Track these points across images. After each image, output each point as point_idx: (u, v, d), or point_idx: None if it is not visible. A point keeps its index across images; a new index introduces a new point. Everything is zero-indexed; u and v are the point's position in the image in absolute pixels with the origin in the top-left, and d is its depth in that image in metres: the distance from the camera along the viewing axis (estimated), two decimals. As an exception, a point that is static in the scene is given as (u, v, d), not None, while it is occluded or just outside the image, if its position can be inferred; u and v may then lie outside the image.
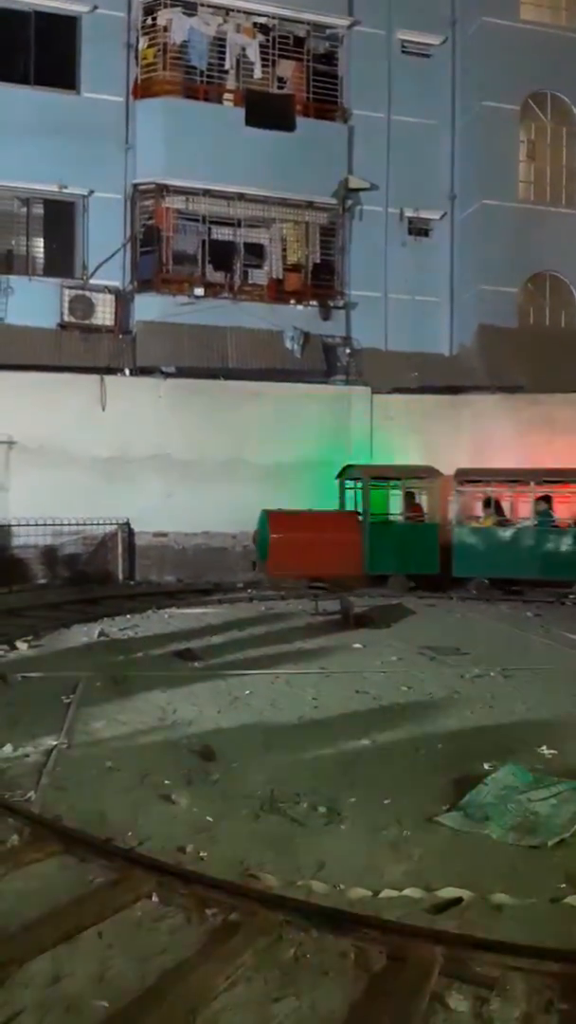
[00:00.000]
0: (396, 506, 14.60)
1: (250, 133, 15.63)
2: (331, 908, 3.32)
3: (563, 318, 17.50)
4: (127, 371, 15.19)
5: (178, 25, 15.65)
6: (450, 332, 17.31)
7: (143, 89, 15.74)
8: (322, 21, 16.54)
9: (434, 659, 8.43)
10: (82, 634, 9.59)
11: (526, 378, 16.09)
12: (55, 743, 5.55)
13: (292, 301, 16.19)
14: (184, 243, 16.01)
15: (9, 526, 13.83)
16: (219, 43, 15.98)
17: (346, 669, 7.93)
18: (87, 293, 15.04)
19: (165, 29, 15.67)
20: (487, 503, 14.04)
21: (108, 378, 14.87)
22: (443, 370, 16.76)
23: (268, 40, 16.25)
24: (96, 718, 6.17)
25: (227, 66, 16.07)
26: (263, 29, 16.28)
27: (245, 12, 16.10)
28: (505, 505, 14.41)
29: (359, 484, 14.36)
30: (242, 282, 16.11)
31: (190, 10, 15.75)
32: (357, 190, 16.57)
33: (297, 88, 16.49)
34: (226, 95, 16.23)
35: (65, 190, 15.26)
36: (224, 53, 16.00)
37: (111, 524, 14.40)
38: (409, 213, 17.01)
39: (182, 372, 15.24)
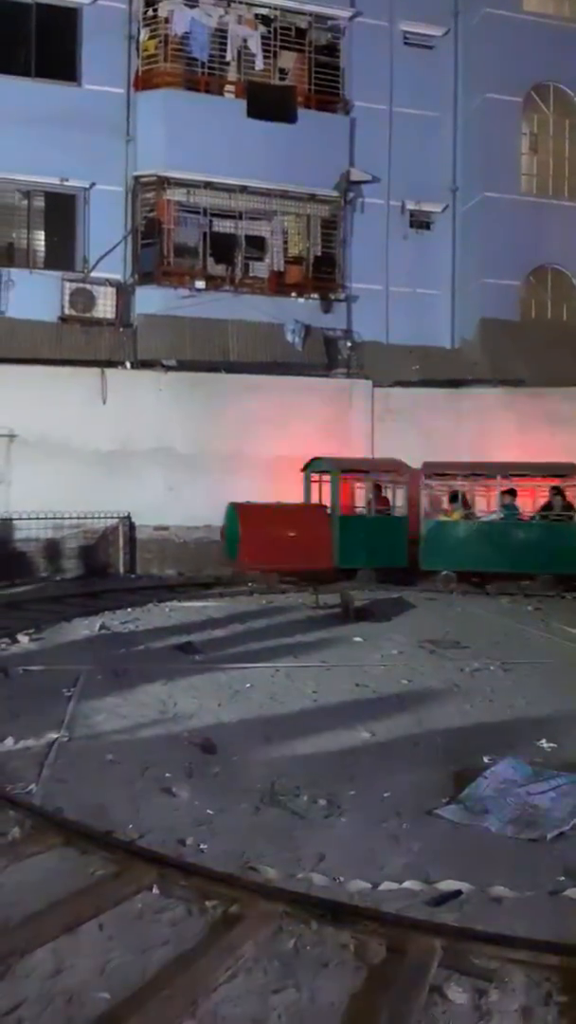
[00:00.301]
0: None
1: (251, 125, 15.56)
2: (331, 900, 3.34)
3: (565, 311, 17.44)
4: (128, 364, 15.17)
5: (179, 16, 15.57)
6: (451, 325, 17.27)
7: (144, 81, 15.68)
8: (324, 12, 16.46)
9: (434, 652, 8.45)
10: (83, 627, 9.60)
11: (528, 372, 16.06)
12: (56, 736, 5.56)
13: (293, 294, 16.16)
14: (185, 236, 15.97)
15: (10, 519, 13.83)
16: (220, 34, 15.90)
17: (346, 662, 7.95)
18: (88, 286, 15.01)
19: (166, 20, 15.59)
20: (454, 497, 14.10)
21: (109, 371, 14.85)
22: (444, 364, 16.73)
23: (270, 31, 16.17)
24: (97, 711, 6.19)
25: (228, 57, 16.00)
26: (265, 20, 16.20)
27: (247, 3, 16.02)
28: (482, 500, 14.44)
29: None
30: (243, 275, 16.08)
31: (191, 1, 15.67)
32: (359, 182, 16.52)
33: (299, 80, 16.43)
34: (227, 87, 16.16)
35: (66, 183, 15.21)
36: (225, 44, 15.91)
37: (112, 518, 14.40)
38: (411, 206, 16.95)
39: (183, 365, 15.22)
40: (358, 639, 9.06)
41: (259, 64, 16.09)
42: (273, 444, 14.76)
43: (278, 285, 16.17)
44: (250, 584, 12.80)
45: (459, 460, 14.40)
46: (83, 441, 14.39)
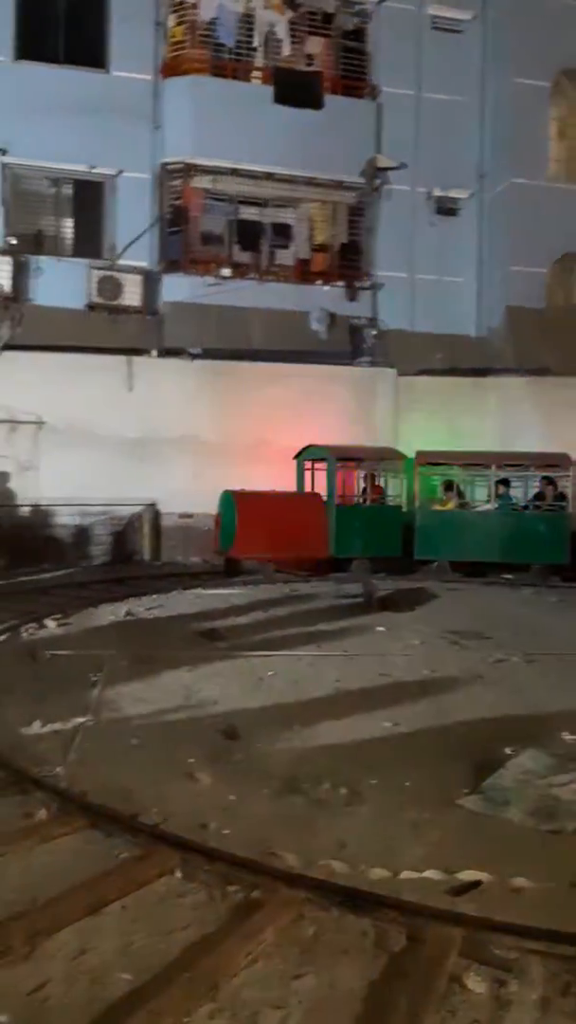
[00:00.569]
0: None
1: (278, 111, 15.49)
2: (351, 888, 3.36)
3: (593, 299, 17.23)
4: (154, 352, 15.22)
5: (207, 2, 15.53)
6: (477, 313, 17.12)
7: (171, 67, 15.65)
8: (352, -3, 16.33)
9: (457, 643, 8.43)
10: (109, 613, 9.69)
11: (554, 360, 15.89)
12: (82, 720, 5.63)
13: (318, 282, 16.11)
14: (211, 223, 15.96)
15: (38, 506, 13.97)
16: (247, 20, 15.82)
17: (369, 651, 7.95)
18: (115, 274, 15.06)
19: (194, 6, 15.54)
20: (448, 486, 14.03)
21: (135, 359, 14.92)
22: (469, 352, 16.60)
23: (297, 17, 16.05)
24: (122, 696, 6.26)
25: (255, 43, 15.93)
26: (292, 5, 16.08)
27: (274, -12, 15.92)
28: (481, 489, 14.42)
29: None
30: (269, 263, 16.04)
31: (219, -13, 15.61)
32: (385, 169, 16.39)
33: (326, 65, 16.31)
34: (254, 73, 16.09)
35: (94, 170, 15.25)
36: (252, 30, 15.85)
37: (138, 505, 14.49)
38: (437, 192, 16.80)
39: (208, 353, 15.24)
40: (381, 628, 9.05)
41: (286, 50, 16.00)
42: (297, 433, 14.74)
43: (303, 273, 16.12)
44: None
45: (457, 451, 14.37)
46: (109, 428, 14.48)
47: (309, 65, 16.37)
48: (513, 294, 16.47)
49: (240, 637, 8.47)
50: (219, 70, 15.85)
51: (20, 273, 14.69)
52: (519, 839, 4.02)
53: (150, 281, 15.36)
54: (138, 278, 15.13)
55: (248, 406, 14.97)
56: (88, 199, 15.59)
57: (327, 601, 10.73)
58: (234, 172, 15.58)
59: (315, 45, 16.40)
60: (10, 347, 14.39)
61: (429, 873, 3.60)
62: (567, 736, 5.51)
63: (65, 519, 14.36)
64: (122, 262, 15.33)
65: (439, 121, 16.58)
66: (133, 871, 3.54)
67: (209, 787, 4.57)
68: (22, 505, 14.16)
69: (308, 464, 14.34)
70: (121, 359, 14.82)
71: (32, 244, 15.24)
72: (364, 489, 14.44)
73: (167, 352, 15.26)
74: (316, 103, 15.80)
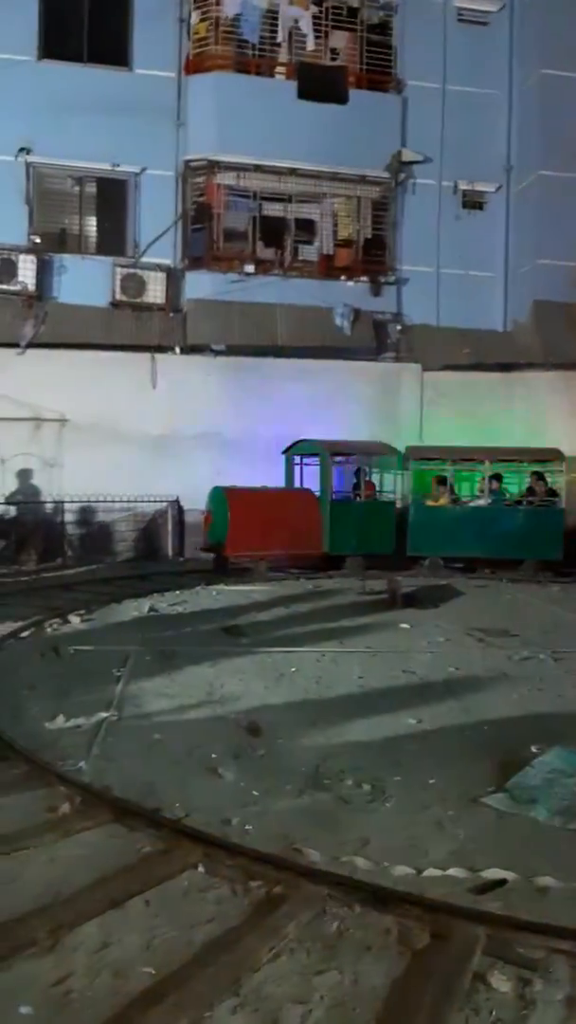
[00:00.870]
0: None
1: (302, 107, 15.43)
2: (374, 884, 3.34)
3: (621, 293, 16.99)
4: (178, 349, 15.26)
5: (231, -2, 15.49)
6: (504, 308, 16.95)
7: (195, 64, 15.64)
8: (376, -10, 16.22)
9: (482, 640, 8.36)
10: (132, 609, 9.74)
11: (582, 355, 15.71)
12: (105, 715, 5.66)
13: (343, 277, 16.03)
14: (235, 220, 15.94)
15: (62, 503, 14.07)
16: (271, 15, 15.77)
17: (392, 648, 7.91)
18: (139, 271, 15.10)
19: (217, 3, 15.51)
20: (442, 481, 13.91)
21: (159, 356, 14.97)
22: (496, 347, 16.46)
23: (321, 11, 15.98)
24: (145, 691, 6.28)
25: (279, 39, 15.86)
26: (316, 0, 16.02)
27: (298, -17, 15.86)
28: (480, 484, 14.34)
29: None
30: (292, 258, 16.00)
31: (242, -18, 15.57)
32: (410, 163, 16.27)
33: (350, 59, 16.22)
34: (278, 68, 16.04)
35: (117, 168, 15.30)
36: (276, 25, 15.79)
37: (161, 501, 14.54)
38: (463, 186, 16.64)
39: (232, 350, 15.25)
40: (405, 625, 9.01)
41: (310, 44, 15.92)
42: (321, 429, 14.70)
43: (327, 268, 16.06)
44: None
45: (444, 446, 14.30)
46: (133, 425, 14.54)
47: (333, 59, 16.29)
48: (540, 288, 16.28)
49: (262, 633, 8.47)
50: (243, 66, 15.83)
51: (44, 271, 14.78)
52: (545, 838, 3.98)
53: (173, 278, 15.39)
54: (161, 275, 15.17)
55: (271, 403, 14.96)
56: (112, 197, 15.65)
57: (350, 597, 10.70)
58: (258, 168, 15.56)
59: (339, 39, 16.30)
60: (35, 345, 14.49)
61: (453, 871, 3.57)
62: (594, 734, 5.44)
63: (88, 516, 14.45)
64: (146, 259, 15.36)
65: (465, 114, 16.42)
66: (156, 866, 3.55)
67: (232, 782, 4.57)
68: (46, 502, 14.27)
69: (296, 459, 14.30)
70: (145, 356, 14.87)
71: (56, 242, 15.32)
72: (356, 484, 14.33)
73: (190, 349, 15.29)
74: (340, 98, 15.71)
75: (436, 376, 15.81)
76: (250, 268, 15.49)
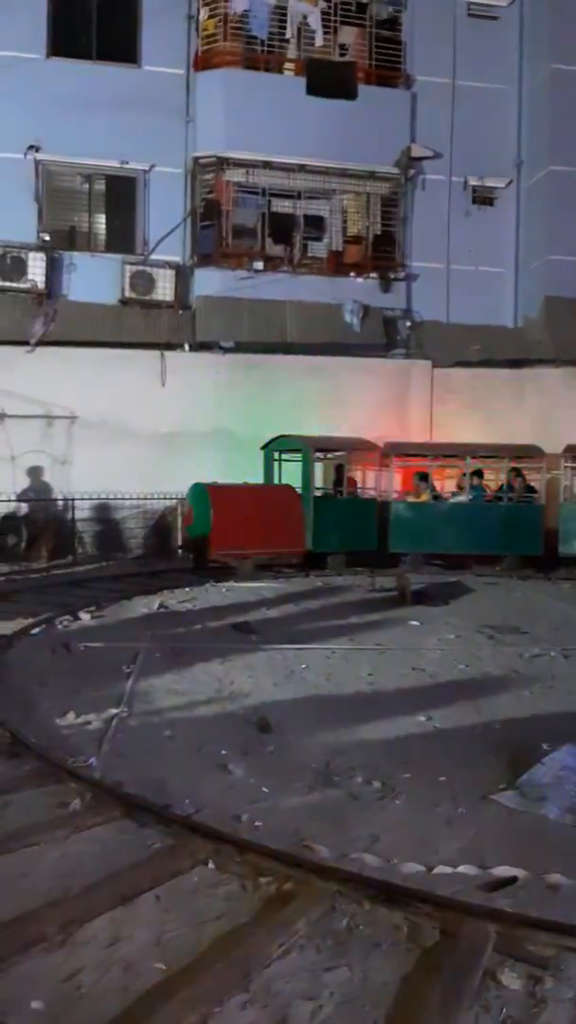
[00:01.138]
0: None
1: (311, 103, 15.39)
2: (384, 881, 3.34)
3: (633, 288, 16.88)
4: (187, 346, 15.27)
5: (239, -6, 15.45)
6: (514, 304, 16.88)
7: (204, 61, 15.62)
8: (386, -15, 16.15)
9: (492, 638, 8.34)
10: (142, 606, 9.76)
11: (593, 351, 15.63)
12: (116, 711, 5.67)
13: (352, 274, 15.99)
14: (244, 216, 15.92)
15: (72, 500, 14.10)
16: (280, 11, 15.73)
17: (402, 646, 7.90)
18: (148, 269, 15.11)
19: (226, -1, 15.50)
20: (423, 478, 13.88)
21: (168, 353, 14.97)
22: (506, 343, 16.40)
23: (330, 6, 15.93)
24: (155, 688, 6.29)
25: (288, 35, 15.82)
26: (325, -5, 15.97)
27: (307, -22, 15.81)
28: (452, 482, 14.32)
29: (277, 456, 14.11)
30: (301, 255, 15.97)
31: (251, -21, 15.53)
32: (420, 159, 16.21)
33: (359, 55, 16.16)
34: (287, 64, 16.01)
35: (126, 165, 15.30)
36: (285, 21, 15.75)
37: (170, 499, 14.55)
38: (473, 181, 16.58)
39: (241, 347, 15.24)
40: (415, 623, 8.99)
41: (319, 40, 15.87)
42: (331, 426, 14.69)
43: (337, 265, 16.03)
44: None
45: (427, 441, 14.36)
46: (142, 423, 14.55)
47: (342, 55, 16.24)
48: (551, 283, 16.21)
49: (272, 630, 8.47)
50: (251, 63, 15.80)
51: (54, 269, 14.80)
52: (555, 835, 3.97)
53: (182, 275, 15.39)
54: (170, 272, 15.17)
55: (281, 400, 14.93)
56: (120, 194, 15.65)
57: (359, 594, 10.69)
58: (266, 165, 15.53)
59: (348, 35, 16.25)
60: (44, 343, 14.53)
61: (463, 868, 3.56)
62: (605, 732, 5.42)
63: (99, 513, 14.48)
64: (155, 257, 15.37)
65: (475, 109, 16.35)
66: (166, 861, 3.55)
67: (242, 779, 4.57)
68: (57, 499, 14.31)
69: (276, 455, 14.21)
70: (154, 353, 14.88)
71: (65, 240, 15.35)
72: (337, 480, 14.28)
73: (199, 346, 15.29)
74: (350, 93, 15.67)
75: (446, 372, 15.76)
76: (259, 265, 15.47)
